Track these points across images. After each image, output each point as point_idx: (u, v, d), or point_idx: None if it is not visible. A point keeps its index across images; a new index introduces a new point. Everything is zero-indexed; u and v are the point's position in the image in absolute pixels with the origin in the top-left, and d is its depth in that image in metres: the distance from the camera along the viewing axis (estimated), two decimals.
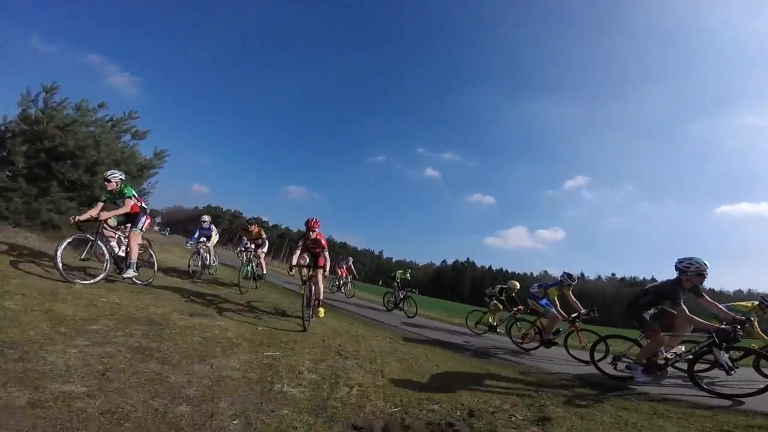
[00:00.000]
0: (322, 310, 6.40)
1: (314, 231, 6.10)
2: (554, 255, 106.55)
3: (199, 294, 6.47)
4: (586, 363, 5.34)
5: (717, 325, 4.17)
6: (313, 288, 5.80)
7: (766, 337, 5.24)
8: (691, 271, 4.28)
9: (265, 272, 9.45)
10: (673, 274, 4.41)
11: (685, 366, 4.40)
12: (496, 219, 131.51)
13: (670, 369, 4.62)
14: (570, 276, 6.97)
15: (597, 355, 5.21)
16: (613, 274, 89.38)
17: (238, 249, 9.92)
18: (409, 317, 10.23)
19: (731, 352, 4.28)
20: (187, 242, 11.42)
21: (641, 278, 76.67)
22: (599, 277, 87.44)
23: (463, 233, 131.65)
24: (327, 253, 6.25)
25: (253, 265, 8.67)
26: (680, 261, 4.39)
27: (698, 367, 4.44)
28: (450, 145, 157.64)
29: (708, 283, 4.51)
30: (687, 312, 4.20)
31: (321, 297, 6.24)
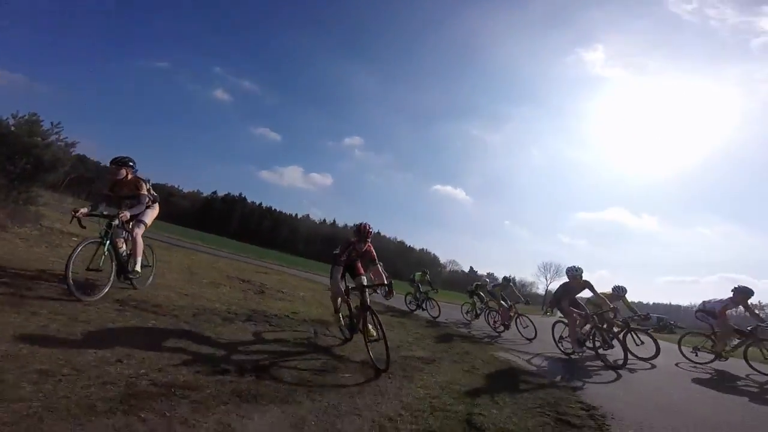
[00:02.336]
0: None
1: (368, 241, 4.70)
2: (322, 198, 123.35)
3: None
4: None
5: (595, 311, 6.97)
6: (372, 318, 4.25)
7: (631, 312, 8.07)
8: (571, 275, 6.86)
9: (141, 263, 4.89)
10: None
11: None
12: (277, 155, 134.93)
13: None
14: (507, 280, 10.30)
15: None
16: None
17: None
18: (433, 317, 10.30)
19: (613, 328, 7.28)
20: None
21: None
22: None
23: (239, 163, 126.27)
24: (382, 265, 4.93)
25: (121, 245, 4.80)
26: (567, 270, 6.98)
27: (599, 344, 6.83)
28: (253, 75, 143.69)
29: None
30: (566, 303, 6.86)
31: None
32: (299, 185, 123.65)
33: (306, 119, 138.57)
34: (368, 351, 4.08)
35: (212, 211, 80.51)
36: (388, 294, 4.66)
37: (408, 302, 11.70)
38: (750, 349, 7.21)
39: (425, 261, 75.93)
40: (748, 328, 7.28)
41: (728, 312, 7.55)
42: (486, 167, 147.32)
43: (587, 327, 6.94)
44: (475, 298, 11.00)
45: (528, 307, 12.21)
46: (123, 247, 4.75)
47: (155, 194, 5.11)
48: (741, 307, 7.51)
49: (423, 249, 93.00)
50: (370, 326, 4.31)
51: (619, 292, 7.80)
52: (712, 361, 7.52)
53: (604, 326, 7.05)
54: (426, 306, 10.99)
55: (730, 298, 7.43)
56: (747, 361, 7.06)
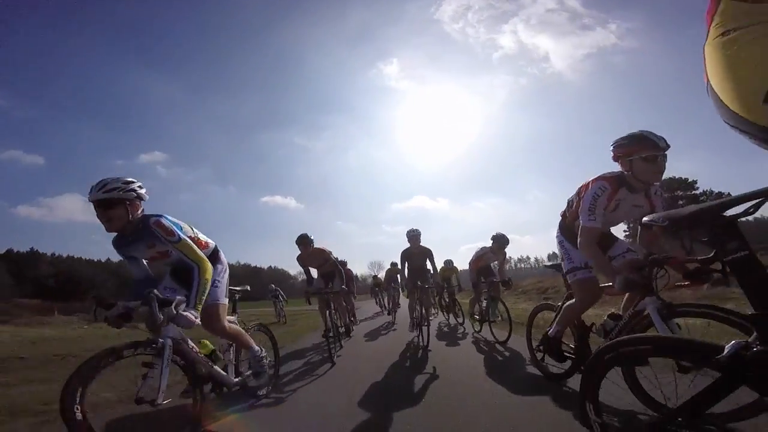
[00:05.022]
0: None
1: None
2: None
3: None
4: None
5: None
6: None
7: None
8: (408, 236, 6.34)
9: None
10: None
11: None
12: (39, 184, 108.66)
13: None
14: None
15: None
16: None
17: None
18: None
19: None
20: None
21: None
22: None
23: None
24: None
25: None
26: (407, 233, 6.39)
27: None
28: None
29: None
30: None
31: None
32: (80, 218, 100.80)
33: (80, 136, 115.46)
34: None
35: None
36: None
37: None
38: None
39: (277, 277, 74.41)
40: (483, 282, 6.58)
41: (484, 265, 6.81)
42: (311, 173, 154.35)
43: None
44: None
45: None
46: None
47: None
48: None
49: (271, 266, 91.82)
50: None
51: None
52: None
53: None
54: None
55: (489, 247, 6.59)
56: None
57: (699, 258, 2.08)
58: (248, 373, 3.00)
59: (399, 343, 5.95)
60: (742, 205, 1.00)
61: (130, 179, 2.49)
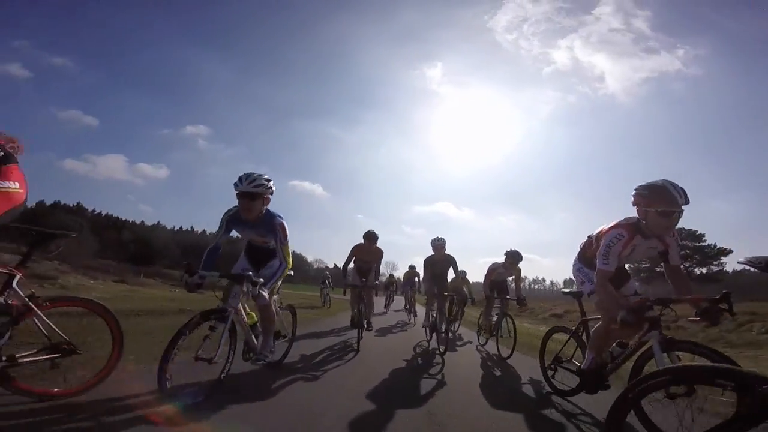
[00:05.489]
0: None
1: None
2: (154, 193, 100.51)
3: None
4: None
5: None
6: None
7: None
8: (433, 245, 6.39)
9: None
10: None
11: None
12: (91, 143, 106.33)
13: None
14: None
15: None
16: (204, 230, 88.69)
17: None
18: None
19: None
20: None
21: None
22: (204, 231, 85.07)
23: (36, 151, 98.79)
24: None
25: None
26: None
27: None
28: (67, 50, 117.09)
29: None
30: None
31: None
32: (120, 177, 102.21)
33: (134, 104, 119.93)
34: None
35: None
36: None
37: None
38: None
39: (295, 262, 74.30)
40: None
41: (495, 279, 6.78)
42: (341, 164, 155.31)
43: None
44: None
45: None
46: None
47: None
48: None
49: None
50: None
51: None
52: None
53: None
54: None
55: (502, 262, 6.60)
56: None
57: (708, 298, 2.37)
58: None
59: (412, 341, 6.51)
60: None
61: (268, 177, 3.04)
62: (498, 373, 4.74)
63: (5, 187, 2.04)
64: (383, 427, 2.47)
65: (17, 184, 2.09)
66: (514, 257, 6.51)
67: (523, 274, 6.82)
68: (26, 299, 2.17)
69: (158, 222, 69.85)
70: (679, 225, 2.65)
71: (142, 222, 69.03)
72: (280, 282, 3.23)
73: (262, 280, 2.84)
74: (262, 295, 2.82)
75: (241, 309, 2.99)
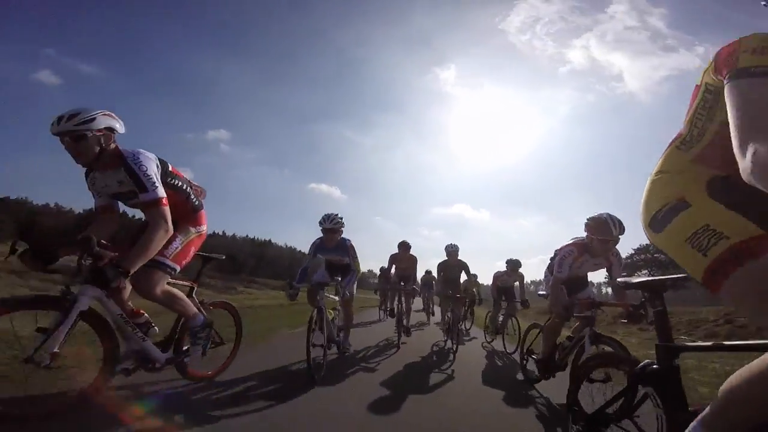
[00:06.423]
0: None
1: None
2: None
3: None
4: None
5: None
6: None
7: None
8: (447, 251, 7.25)
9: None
10: None
11: None
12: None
13: None
14: None
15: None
16: (247, 235, 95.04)
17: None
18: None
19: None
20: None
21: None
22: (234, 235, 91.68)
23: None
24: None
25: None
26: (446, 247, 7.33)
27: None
28: (97, 59, 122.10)
29: None
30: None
31: None
32: None
33: (160, 109, 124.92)
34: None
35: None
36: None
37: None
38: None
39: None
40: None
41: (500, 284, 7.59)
42: (358, 167, 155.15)
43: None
44: None
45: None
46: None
47: None
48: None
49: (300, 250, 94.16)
50: None
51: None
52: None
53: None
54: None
55: (504, 270, 7.54)
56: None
57: (634, 304, 3.13)
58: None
59: (430, 340, 7.35)
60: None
61: (341, 216, 4.53)
62: (500, 363, 5.76)
63: (202, 230, 2.90)
64: (398, 408, 3.06)
65: (205, 226, 2.96)
66: (514, 265, 7.45)
67: (538, 277, 8.06)
68: (199, 303, 3.04)
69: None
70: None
71: None
72: (355, 285, 4.52)
73: (343, 284, 4.30)
74: (347, 294, 4.34)
75: (324, 308, 3.87)
